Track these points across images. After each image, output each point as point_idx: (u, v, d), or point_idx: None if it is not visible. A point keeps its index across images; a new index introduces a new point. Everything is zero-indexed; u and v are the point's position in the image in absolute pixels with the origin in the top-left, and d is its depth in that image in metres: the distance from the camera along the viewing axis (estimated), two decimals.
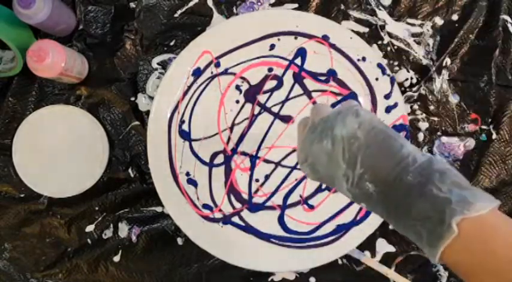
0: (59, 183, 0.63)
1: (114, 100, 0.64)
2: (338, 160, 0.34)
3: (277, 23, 0.62)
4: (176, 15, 0.64)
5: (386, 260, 0.63)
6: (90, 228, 0.64)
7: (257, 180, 0.62)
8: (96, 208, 0.64)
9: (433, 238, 0.29)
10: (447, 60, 0.65)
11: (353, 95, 0.62)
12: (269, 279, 0.63)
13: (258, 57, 0.63)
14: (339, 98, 0.63)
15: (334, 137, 0.34)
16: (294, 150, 0.63)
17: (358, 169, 0.33)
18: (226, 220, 0.62)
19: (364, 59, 0.62)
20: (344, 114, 0.35)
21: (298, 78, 0.63)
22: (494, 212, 0.29)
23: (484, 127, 0.65)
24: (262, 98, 0.63)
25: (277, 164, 0.63)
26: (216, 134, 0.63)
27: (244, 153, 0.63)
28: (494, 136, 0.64)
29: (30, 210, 0.64)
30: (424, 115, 0.64)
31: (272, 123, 0.63)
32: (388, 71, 0.62)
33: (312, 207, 0.62)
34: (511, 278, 0.27)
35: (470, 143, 0.64)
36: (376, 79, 0.63)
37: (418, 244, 0.31)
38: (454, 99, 0.65)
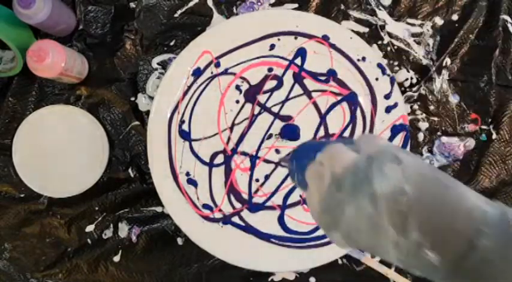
0: (59, 183, 0.63)
1: (114, 100, 0.64)
2: (383, 224, 0.26)
3: (277, 23, 0.62)
4: (176, 15, 0.64)
5: None
6: (90, 228, 0.64)
7: (257, 180, 0.62)
8: (96, 208, 0.64)
9: None
10: (447, 60, 0.64)
11: (353, 95, 0.62)
12: (269, 279, 0.63)
13: (258, 57, 0.63)
14: (339, 98, 0.63)
15: (374, 194, 0.26)
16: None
17: (412, 235, 0.25)
18: (226, 220, 0.62)
19: (364, 59, 0.62)
20: (380, 161, 0.27)
21: (298, 78, 0.63)
22: None
23: (484, 127, 0.65)
24: (262, 98, 0.63)
25: (277, 164, 0.63)
26: (216, 134, 0.63)
27: (244, 153, 0.63)
28: (494, 136, 0.64)
29: (30, 210, 0.64)
30: (424, 115, 0.64)
31: (272, 123, 0.63)
32: (388, 71, 0.62)
33: None
34: None
35: (470, 143, 0.64)
36: (376, 79, 0.63)
37: None
38: (454, 99, 0.65)
